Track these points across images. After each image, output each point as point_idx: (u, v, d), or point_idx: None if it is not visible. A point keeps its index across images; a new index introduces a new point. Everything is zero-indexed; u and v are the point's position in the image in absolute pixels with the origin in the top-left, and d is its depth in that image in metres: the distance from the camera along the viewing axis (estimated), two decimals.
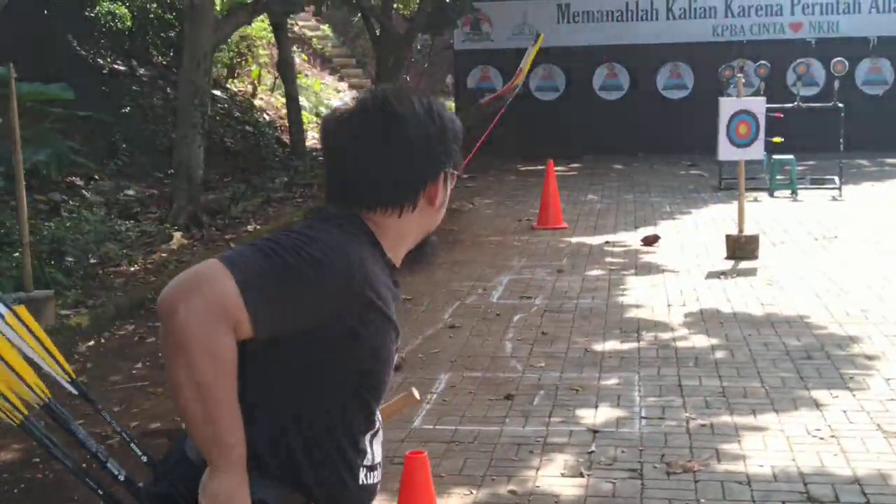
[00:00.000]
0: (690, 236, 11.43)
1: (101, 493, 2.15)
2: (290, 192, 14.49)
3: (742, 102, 10.06)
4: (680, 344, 6.97)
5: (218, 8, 15.63)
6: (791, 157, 15.10)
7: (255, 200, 13.39)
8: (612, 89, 23.10)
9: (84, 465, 2.63)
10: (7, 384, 2.01)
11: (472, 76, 23.40)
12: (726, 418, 5.51)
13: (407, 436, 5.44)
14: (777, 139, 9.88)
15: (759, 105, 10.07)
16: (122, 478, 2.19)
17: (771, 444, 5.12)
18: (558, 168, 20.25)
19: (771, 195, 14.87)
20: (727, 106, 10.05)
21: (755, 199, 14.45)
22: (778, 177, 15.31)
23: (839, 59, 15.50)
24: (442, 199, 2.13)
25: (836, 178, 14.81)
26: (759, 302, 8.12)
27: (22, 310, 2.10)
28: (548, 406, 5.81)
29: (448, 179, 2.15)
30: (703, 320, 7.60)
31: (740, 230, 10.24)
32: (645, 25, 22.78)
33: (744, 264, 9.75)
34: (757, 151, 10.15)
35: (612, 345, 7.02)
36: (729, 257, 10.04)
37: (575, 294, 8.63)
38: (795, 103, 15.72)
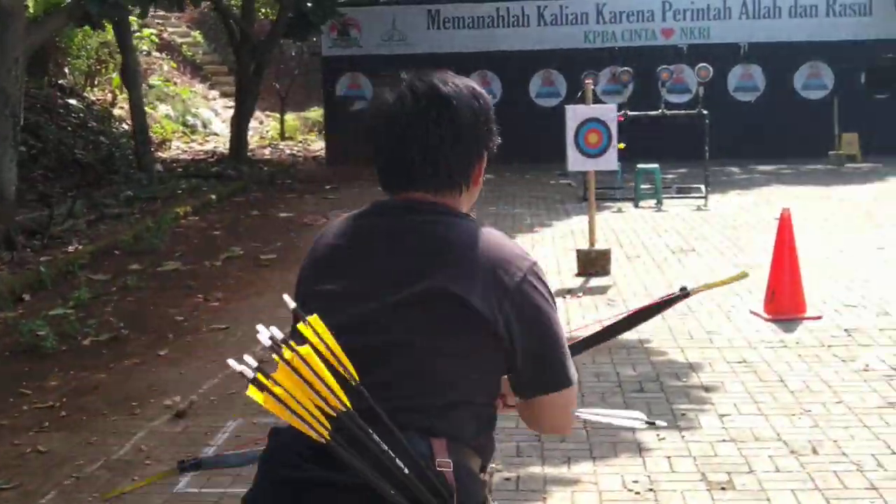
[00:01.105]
0: (545, 251, 10.85)
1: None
2: (129, 207, 13.50)
3: (591, 110, 9.50)
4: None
5: (31, 10, 14.59)
6: (656, 165, 14.69)
7: (87, 217, 12.38)
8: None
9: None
10: (309, 396, 1.79)
11: (341, 83, 22.62)
12: (536, 469, 4.85)
13: (165, 501, 4.65)
14: (620, 145, 9.30)
15: (609, 112, 9.53)
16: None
17: (578, 502, 4.47)
18: None
19: (636, 206, 14.43)
20: (575, 114, 9.48)
21: (619, 210, 14.00)
22: (644, 186, 14.89)
23: (702, 65, 15.18)
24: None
25: (703, 187, 14.44)
26: (600, 324, 7.49)
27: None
28: None
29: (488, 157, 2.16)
30: None
31: (591, 244, 9.67)
32: (516, 32, 22.34)
33: (595, 281, 9.19)
34: (609, 161, 9.60)
35: None
36: (580, 273, 9.47)
37: None
38: (661, 111, 15.36)
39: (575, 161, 9.46)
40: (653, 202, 14.58)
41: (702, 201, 14.14)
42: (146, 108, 22.89)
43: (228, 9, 20.77)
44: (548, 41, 22.16)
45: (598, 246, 9.81)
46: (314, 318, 1.82)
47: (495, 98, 22.36)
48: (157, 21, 28.01)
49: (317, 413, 1.78)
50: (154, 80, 25.03)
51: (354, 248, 2.07)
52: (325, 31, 22.03)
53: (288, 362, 1.78)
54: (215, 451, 5.24)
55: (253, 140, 24.94)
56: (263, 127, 27.13)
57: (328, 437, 1.78)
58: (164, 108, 24.40)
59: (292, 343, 1.79)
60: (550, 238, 11.75)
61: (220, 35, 26.78)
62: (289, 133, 26.35)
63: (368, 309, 1.97)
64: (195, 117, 25.42)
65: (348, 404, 1.81)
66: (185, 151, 22.06)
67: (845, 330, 7.16)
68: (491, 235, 2.05)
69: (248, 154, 20.93)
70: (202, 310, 8.45)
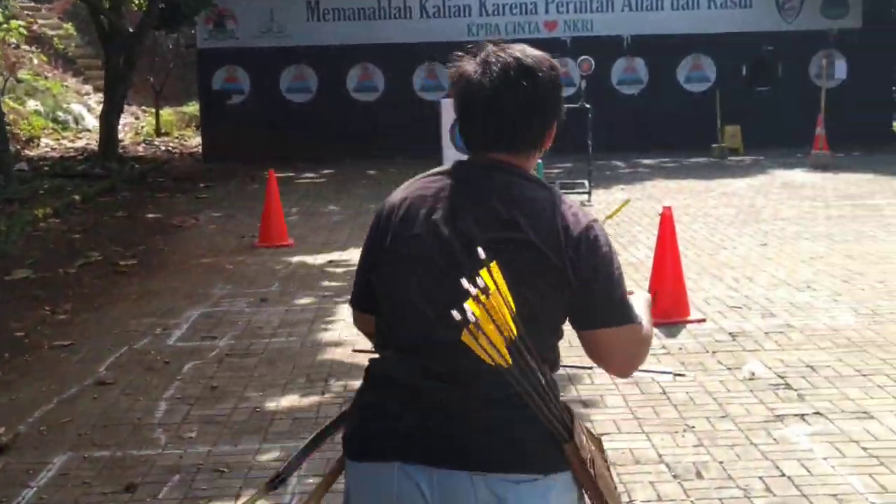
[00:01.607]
0: None
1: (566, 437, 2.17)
2: None
3: None
4: None
5: None
6: (538, 160, 14.34)
7: None
8: (368, 90, 22.05)
9: None
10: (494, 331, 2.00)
11: (218, 77, 21.80)
12: None
13: None
14: None
15: None
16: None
17: None
18: (308, 175, 19.15)
19: None
20: (450, 108, 9.02)
21: None
22: None
23: (584, 57, 14.92)
24: None
25: (586, 182, 14.16)
26: None
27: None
28: (176, 499, 4.51)
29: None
30: None
31: None
32: (398, 24, 21.83)
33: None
34: None
35: (289, 401, 5.78)
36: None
37: (270, 330, 7.35)
38: None
39: (450, 158, 9.00)
40: None
41: (585, 196, 13.85)
42: (13, 104, 21.82)
43: None
44: (431, 33, 21.69)
45: None
46: (494, 265, 2.00)
47: (378, 92, 21.98)
48: (26, 12, 26.74)
49: (499, 343, 2.00)
50: (23, 74, 23.84)
51: (443, 200, 2.25)
52: (200, 22, 21.22)
53: (482, 303, 1.98)
54: (35, 493, 4.62)
55: (127, 136, 23.96)
56: (139, 123, 26.10)
57: (510, 362, 2.02)
58: (32, 104, 23.24)
59: (488, 283, 1.98)
60: None
61: (92, 27, 25.65)
62: (165, 128, 25.40)
63: (460, 255, 2.16)
64: (66, 113, 24.29)
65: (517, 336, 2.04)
66: (55, 149, 21.00)
67: (730, 334, 6.86)
68: (556, 196, 2.26)
69: (120, 151, 19.99)
70: (47, 323, 7.74)
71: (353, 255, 10.23)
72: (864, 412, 5.23)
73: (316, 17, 21.84)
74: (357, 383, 6.02)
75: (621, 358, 2.30)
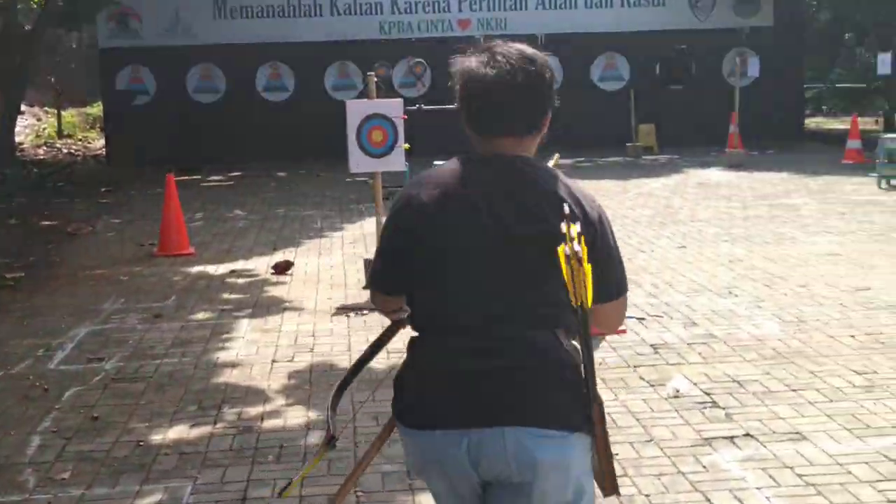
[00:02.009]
0: (332, 259, 9.92)
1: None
2: None
3: (374, 105, 8.59)
4: (266, 425, 5.32)
5: None
6: (444, 163, 13.95)
7: None
8: (277, 90, 21.47)
9: None
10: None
11: (122, 76, 21.02)
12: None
13: None
14: (405, 146, 8.47)
15: (395, 108, 8.64)
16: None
17: None
18: (215, 178, 18.48)
19: None
20: (356, 109, 8.56)
21: None
22: None
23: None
24: None
25: None
26: (385, 349, 6.63)
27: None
28: None
29: None
30: (309, 383, 6.00)
31: None
32: (309, 21, 21.29)
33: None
34: (396, 161, 8.72)
35: (177, 432, 5.26)
36: (367, 286, 8.58)
37: (163, 350, 6.81)
38: (417, 106, 14.62)
39: (358, 162, 8.53)
40: None
41: None
42: None
43: None
44: (342, 32, 21.23)
45: None
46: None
47: (288, 91, 21.40)
48: None
49: (580, 288, 2.27)
50: None
51: (476, 193, 2.44)
52: (101, 21, 20.42)
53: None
54: None
55: (27, 139, 23.04)
56: (40, 124, 25.12)
57: (590, 304, 2.31)
58: None
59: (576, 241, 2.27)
60: (339, 244, 10.81)
61: None
62: (67, 130, 24.51)
63: (503, 244, 2.40)
64: None
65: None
66: None
67: (652, 346, 6.52)
68: (565, 180, 2.49)
69: (19, 154, 19.15)
70: None
71: (257, 263, 9.73)
72: (797, 433, 4.91)
73: (223, 15, 21.19)
74: (253, 409, 5.57)
75: (618, 321, 2.63)
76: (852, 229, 10.68)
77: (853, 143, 17.75)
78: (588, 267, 2.26)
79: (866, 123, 22.31)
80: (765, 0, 21.71)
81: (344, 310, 7.76)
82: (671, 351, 6.39)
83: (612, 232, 2.51)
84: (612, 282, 2.48)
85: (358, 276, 8.90)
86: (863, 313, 7.18)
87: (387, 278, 2.58)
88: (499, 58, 2.48)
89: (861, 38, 29.39)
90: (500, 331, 2.39)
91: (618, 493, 2.55)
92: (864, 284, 8.08)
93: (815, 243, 9.93)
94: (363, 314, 7.61)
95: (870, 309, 7.29)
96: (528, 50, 2.53)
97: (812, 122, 25.21)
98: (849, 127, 18.72)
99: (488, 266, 2.40)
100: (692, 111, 21.03)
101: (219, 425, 5.32)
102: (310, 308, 7.90)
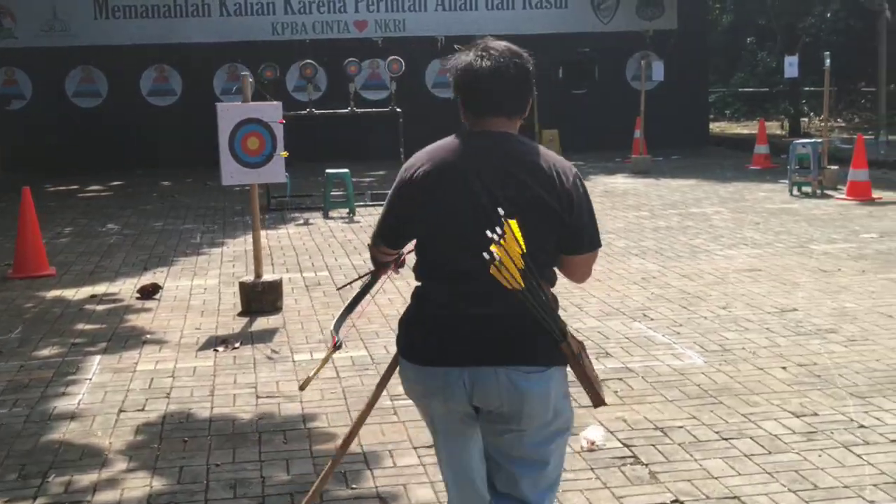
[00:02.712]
0: (209, 281, 8.94)
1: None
2: None
3: (249, 109, 7.66)
4: (99, 498, 4.35)
5: None
6: (346, 170, 13.07)
7: None
8: (164, 94, 20.29)
9: None
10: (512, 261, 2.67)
11: None
12: None
13: None
14: (283, 153, 7.58)
15: (272, 112, 7.72)
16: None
17: None
18: (94, 187, 17.25)
19: (325, 216, 12.76)
20: (229, 113, 7.62)
21: (306, 223, 12.26)
22: (335, 193, 13.26)
23: (393, 58, 13.73)
24: None
25: None
26: (254, 393, 5.72)
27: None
28: None
29: None
30: (160, 439, 5.05)
31: (257, 275, 7.86)
32: (197, 22, 20.18)
33: (261, 322, 7.39)
34: (275, 171, 7.81)
35: None
36: (244, 312, 7.65)
37: None
38: (350, 108, 13.78)
39: (231, 172, 7.60)
40: (345, 211, 12.98)
41: None
42: None
43: None
44: (232, 33, 20.18)
45: (268, 276, 8.02)
46: (513, 222, 2.66)
47: (175, 95, 20.23)
48: None
49: (515, 273, 2.67)
50: None
51: (469, 164, 2.86)
52: None
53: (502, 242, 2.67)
54: None
55: None
56: None
57: (523, 286, 2.70)
58: None
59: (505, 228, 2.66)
60: (217, 262, 9.83)
61: None
62: None
63: (493, 205, 2.76)
64: None
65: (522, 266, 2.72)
66: None
67: None
68: (546, 152, 2.92)
69: None
70: None
71: (123, 286, 8.73)
72: (734, 497, 4.14)
73: (104, 15, 19.96)
74: (85, 477, 4.57)
75: (587, 272, 3.06)
76: (769, 241, 10.07)
77: (761, 149, 17.33)
78: (519, 235, 2.65)
79: (771, 128, 22.00)
80: (668, 3, 21.28)
81: (213, 343, 6.81)
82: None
83: (586, 193, 2.91)
84: (586, 236, 2.91)
85: (234, 300, 7.96)
86: (792, 339, 6.49)
87: (391, 235, 3.04)
88: (492, 52, 2.88)
89: (763, 42, 29.29)
90: (492, 282, 2.68)
91: (604, 403, 3.00)
92: (789, 304, 7.43)
93: (731, 257, 9.28)
94: (234, 348, 6.67)
95: (799, 334, 6.61)
96: (514, 47, 2.94)
97: (716, 127, 24.86)
98: (752, 132, 18.34)
99: (478, 226, 2.70)
100: (596, 116, 20.48)
101: (39, 501, 4.34)
102: (173, 341, 6.92)
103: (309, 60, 13.72)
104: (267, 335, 7.01)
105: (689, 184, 15.02)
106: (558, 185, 2.81)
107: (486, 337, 2.83)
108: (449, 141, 2.94)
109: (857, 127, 23.26)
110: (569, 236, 2.86)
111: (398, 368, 3.05)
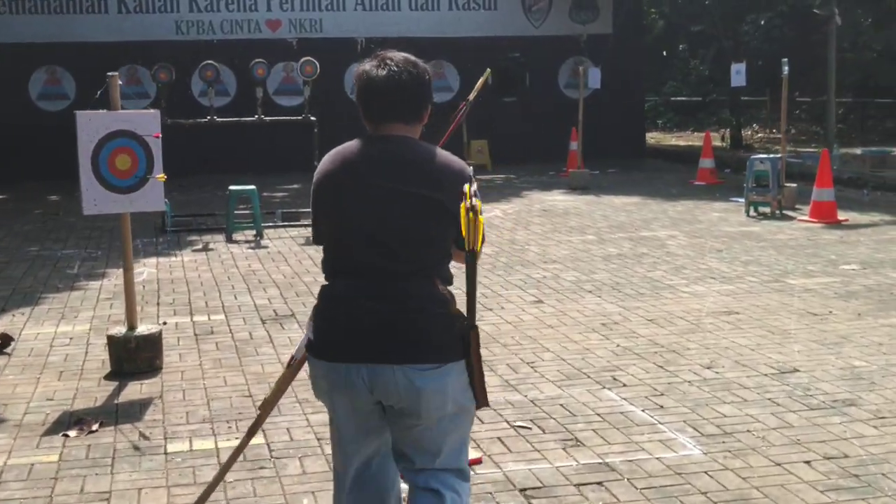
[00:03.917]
0: (76, 326, 7.36)
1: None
2: None
3: (118, 118, 6.09)
4: None
5: None
6: (252, 187, 11.52)
7: None
8: (55, 98, 18.47)
9: None
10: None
11: None
12: None
13: None
14: (161, 176, 6.01)
15: (148, 122, 6.16)
16: None
17: None
18: None
19: (229, 240, 11.18)
20: (91, 124, 6.05)
21: (205, 248, 10.66)
22: (239, 212, 11.70)
23: (307, 59, 12.22)
24: None
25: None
26: (87, 499, 4.18)
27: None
28: None
29: None
30: None
31: (130, 327, 6.29)
32: (93, 19, 18.43)
33: (131, 390, 5.83)
34: (150, 198, 6.24)
35: None
36: (113, 373, 6.09)
37: None
38: (257, 116, 12.23)
39: (94, 198, 6.02)
40: (251, 234, 11.42)
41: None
42: None
43: None
44: (132, 31, 18.47)
45: (146, 325, 6.46)
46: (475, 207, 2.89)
47: (69, 99, 18.38)
48: None
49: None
50: None
51: (367, 164, 3.00)
52: None
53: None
54: None
55: None
56: None
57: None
58: None
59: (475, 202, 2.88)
60: (93, 300, 8.23)
61: None
62: None
63: (387, 204, 2.95)
64: None
65: None
66: None
67: (522, 490, 4.27)
68: (441, 154, 3.04)
69: None
70: None
71: None
72: None
73: None
74: None
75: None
76: (738, 273, 8.78)
77: (706, 163, 16.17)
78: (482, 218, 2.84)
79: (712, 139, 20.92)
80: (603, 6, 20.09)
81: (66, 423, 5.24)
82: (553, 500, 4.16)
83: (476, 194, 2.91)
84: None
85: (103, 355, 6.38)
86: (805, 416, 5.14)
87: (316, 234, 3.16)
88: (388, 62, 3.04)
89: (695, 50, 28.33)
90: (390, 279, 2.92)
91: (487, 405, 3.05)
92: (787, 362, 6.09)
93: (700, 295, 7.96)
94: (91, 431, 5.10)
95: (812, 408, 5.26)
96: (411, 57, 3.10)
97: (650, 138, 23.71)
98: (689, 143, 17.20)
99: (376, 224, 2.92)
100: (527, 125, 19.21)
101: None
102: (14, 419, 5.32)
103: (210, 62, 12.15)
104: (137, 409, 5.46)
105: (633, 202, 13.75)
106: (446, 185, 2.94)
107: (384, 334, 2.93)
108: (353, 143, 3.07)
109: (795, 139, 22.26)
110: (456, 231, 2.94)
111: (307, 366, 3.15)
